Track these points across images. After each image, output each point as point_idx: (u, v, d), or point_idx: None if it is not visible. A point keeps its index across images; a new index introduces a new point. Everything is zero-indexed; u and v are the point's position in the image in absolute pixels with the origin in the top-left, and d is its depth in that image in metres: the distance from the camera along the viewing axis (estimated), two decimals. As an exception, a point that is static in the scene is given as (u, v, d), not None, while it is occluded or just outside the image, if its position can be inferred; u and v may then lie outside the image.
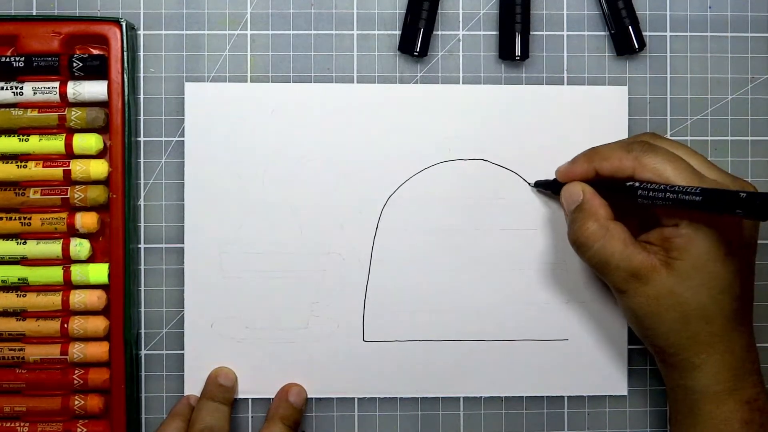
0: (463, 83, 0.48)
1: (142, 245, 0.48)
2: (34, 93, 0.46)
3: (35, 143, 0.46)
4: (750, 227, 0.42)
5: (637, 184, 0.41)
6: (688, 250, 0.40)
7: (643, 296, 0.41)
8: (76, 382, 0.46)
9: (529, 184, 0.47)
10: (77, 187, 0.46)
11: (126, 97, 0.46)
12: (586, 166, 0.44)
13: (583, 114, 0.48)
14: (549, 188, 0.47)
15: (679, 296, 0.40)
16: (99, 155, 0.46)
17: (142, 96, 0.48)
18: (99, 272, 0.46)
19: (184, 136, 0.47)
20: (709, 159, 0.43)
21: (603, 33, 0.49)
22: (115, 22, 0.46)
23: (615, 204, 0.43)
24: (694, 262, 0.40)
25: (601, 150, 0.44)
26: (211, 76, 0.48)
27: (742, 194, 0.37)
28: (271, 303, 0.47)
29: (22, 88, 0.46)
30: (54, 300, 0.46)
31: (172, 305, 0.48)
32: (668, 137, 0.44)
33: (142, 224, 0.48)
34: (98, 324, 0.46)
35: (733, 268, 0.40)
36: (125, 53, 0.46)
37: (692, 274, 0.40)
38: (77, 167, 0.46)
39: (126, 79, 0.46)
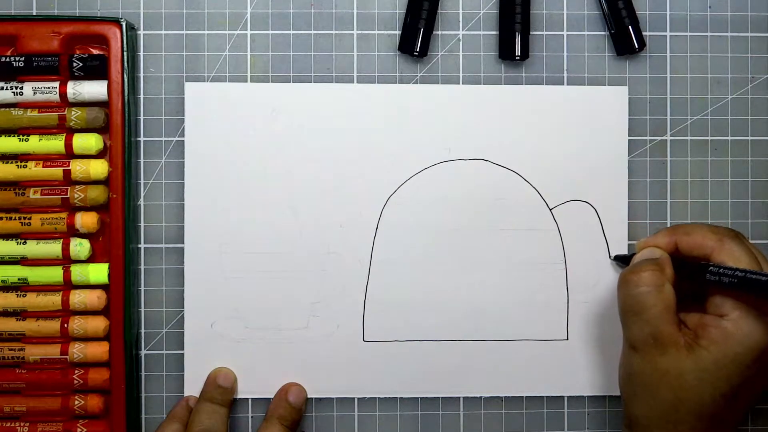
0: (463, 83, 0.48)
1: (142, 245, 0.48)
2: (34, 93, 0.46)
3: (35, 143, 0.45)
4: None
5: (710, 263, 0.41)
6: (720, 343, 0.40)
7: (651, 364, 0.41)
8: (76, 382, 0.46)
9: (611, 257, 0.47)
10: (77, 187, 0.46)
11: (126, 97, 0.46)
12: (667, 240, 0.44)
13: (583, 114, 0.48)
14: (628, 262, 0.46)
15: (684, 382, 0.40)
16: (99, 155, 0.46)
17: (142, 96, 0.48)
18: (99, 272, 0.46)
19: (184, 136, 0.47)
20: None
21: (603, 33, 0.49)
22: (115, 22, 0.46)
23: (679, 285, 0.42)
24: (719, 358, 0.40)
25: (686, 225, 0.44)
26: (211, 76, 0.48)
27: None
28: (271, 303, 0.47)
29: (22, 88, 0.46)
30: (54, 300, 0.46)
31: (172, 305, 0.48)
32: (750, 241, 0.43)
33: (142, 224, 0.48)
34: (98, 324, 0.46)
35: (745, 381, 0.40)
36: (125, 53, 0.46)
37: (709, 369, 0.40)
38: (77, 167, 0.45)
39: (126, 79, 0.46)
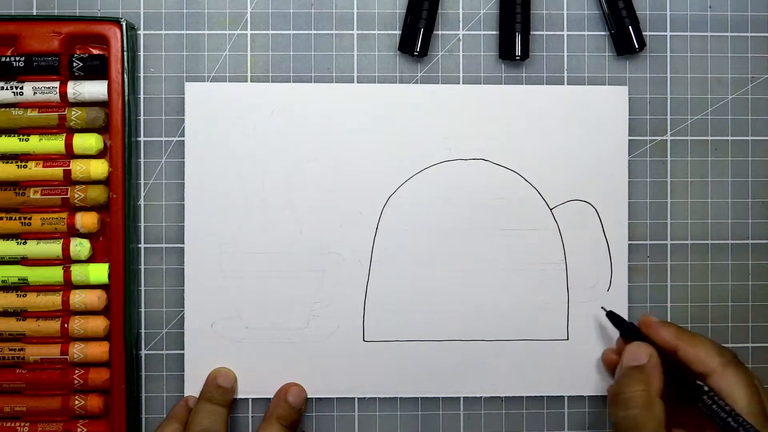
0: (463, 83, 0.48)
1: (142, 245, 0.48)
2: (34, 93, 0.46)
3: (35, 143, 0.46)
4: None
5: (706, 388, 0.41)
6: None
7: None
8: (76, 382, 0.46)
9: (604, 309, 0.46)
10: (77, 187, 0.46)
11: (126, 97, 0.46)
12: (670, 339, 0.43)
13: (583, 114, 0.48)
14: (620, 328, 0.46)
15: None
16: (99, 155, 0.46)
17: (142, 96, 0.48)
18: (99, 272, 0.46)
19: (184, 136, 0.47)
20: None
21: (603, 33, 0.49)
22: (115, 22, 0.46)
23: (667, 384, 0.42)
24: None
25: (692, 336, 0.43)
26: (211, 76, 0.48)
27: None
28: (271, 303, 0.47)
29: (22, 88, 0.46)
30: (54, 300, 0.46)
31: (172, 305, 0.48)
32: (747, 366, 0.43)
33: (142, 224, 0.48)
34: (98, 324, 0.46)
35: None
36: (125, 53, 0.46)
37: None
38: (77, 167, 0.46)
39: (126, 79, 0.46)
